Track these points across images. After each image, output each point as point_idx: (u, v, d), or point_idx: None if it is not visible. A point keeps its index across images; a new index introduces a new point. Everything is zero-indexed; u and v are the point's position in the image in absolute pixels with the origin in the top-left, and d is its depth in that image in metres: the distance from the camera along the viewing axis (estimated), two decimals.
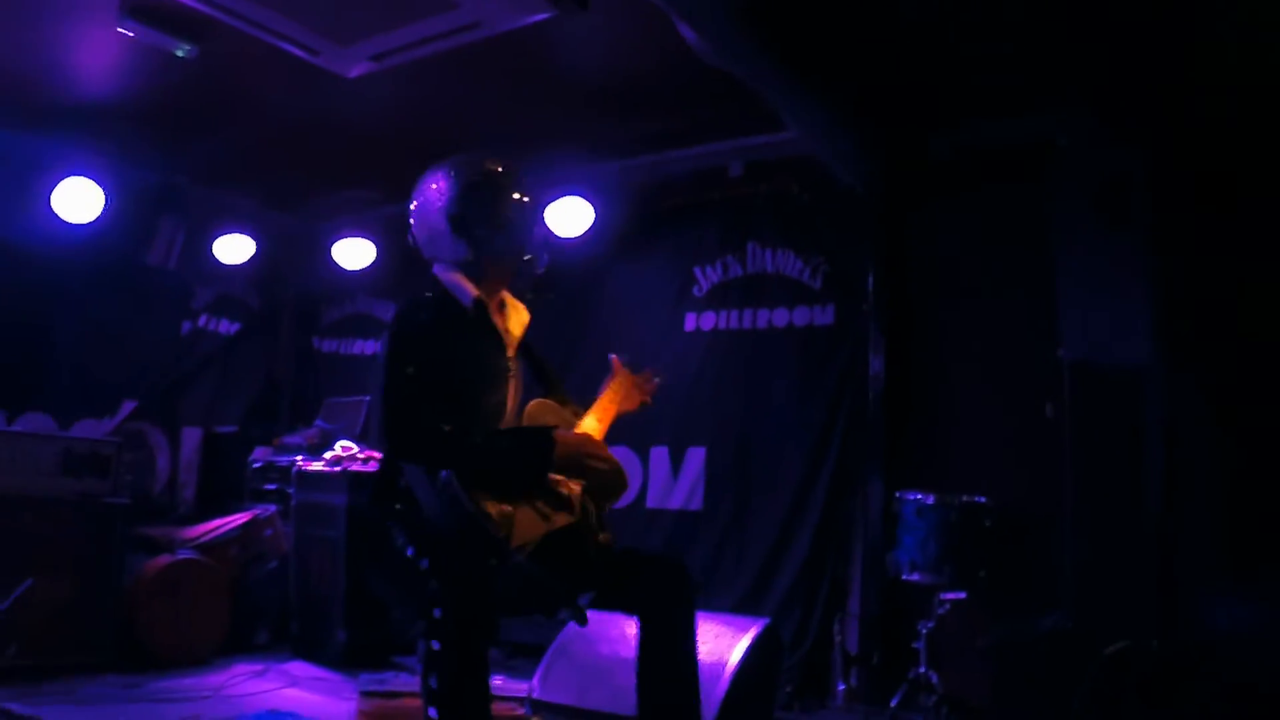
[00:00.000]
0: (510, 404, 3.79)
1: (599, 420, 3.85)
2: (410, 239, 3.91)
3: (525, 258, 3.86)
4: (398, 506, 3.45)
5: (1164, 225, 5.36)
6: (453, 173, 3.76)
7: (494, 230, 3.73)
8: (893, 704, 5.59)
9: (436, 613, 3.33)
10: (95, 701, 5.78)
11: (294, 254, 9.63)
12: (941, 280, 6.75)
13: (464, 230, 3.72)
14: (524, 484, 3.48)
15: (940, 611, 5.62)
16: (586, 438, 3.67)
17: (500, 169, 3.79)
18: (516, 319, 3.91)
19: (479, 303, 3.70)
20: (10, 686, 5.54)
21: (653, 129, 7.15)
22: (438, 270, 3.81)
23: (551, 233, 3.97)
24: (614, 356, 4.12)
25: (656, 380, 4.15)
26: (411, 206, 3.85)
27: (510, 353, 3.84)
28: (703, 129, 7.08)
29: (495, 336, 3.79)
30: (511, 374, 3.83)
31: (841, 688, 6.46)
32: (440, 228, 3.76)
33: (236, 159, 8.08)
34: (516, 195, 3.78)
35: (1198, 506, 5.31)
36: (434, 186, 3.78)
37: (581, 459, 3.57)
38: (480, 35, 5.63)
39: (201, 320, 9.34)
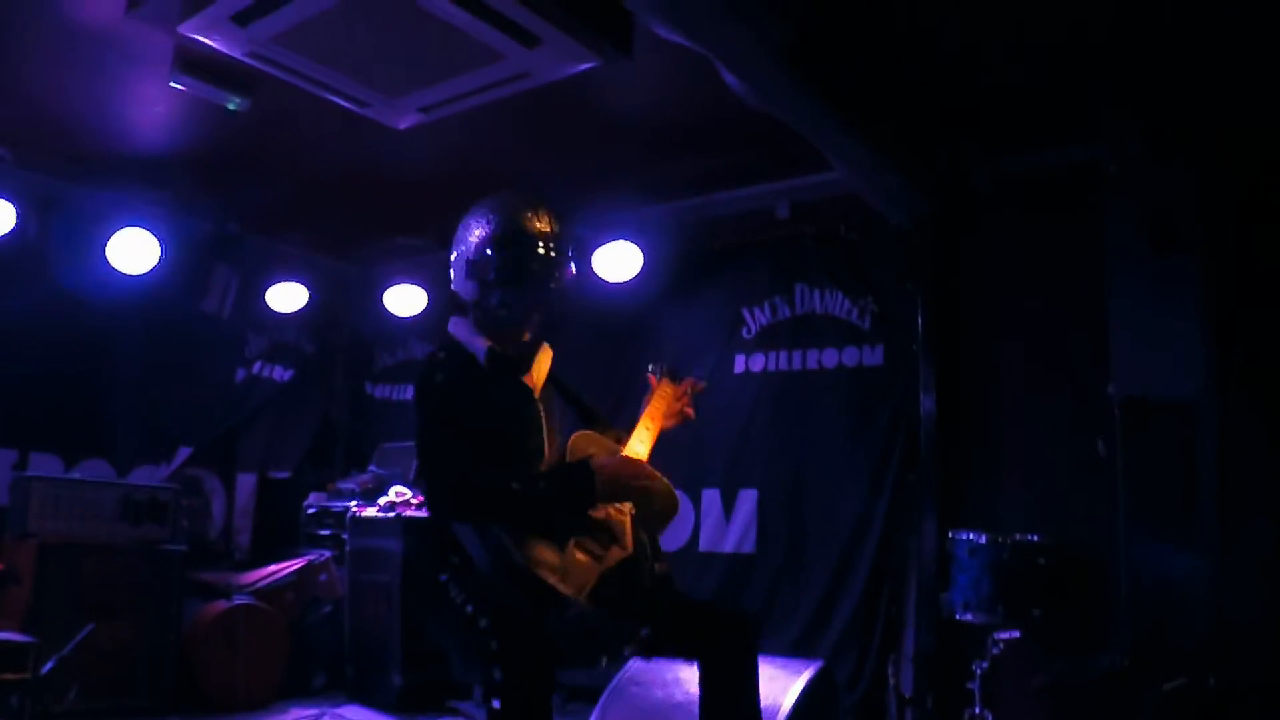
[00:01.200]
0: (548, 444, 3.74)
1: (642, 443, 3.79)
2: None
3: (538, 312, 3.80)
4: (454, 560, 3.45)
5: (1215, 253, 5.34)
6: (484, 219, 3.73)
7: (510, 284, 3.68)
8: None
9: (497, 674, 3.32)
10: None
11: (346, 301, 9.75)
12: (991, 316, 6.71)
13: (481, 279, 3.69)
14: (570, 523, 3.46)
15: (994, 651, 5.57)
16: (626, 460, 3.62)
17: (529, 222, 3.70)
18: (540, 359, 3.87)
19: (492, 353, 3.68)
20: None
21: (699, 172, 7.19)
22: (452, 326, 3.79)
23: (574, 279, 3.81)
24: (651, 374, 4.08)
25: (701, 384, 4.10)
26: (451, 256, 3.85)
27: (537, 394, 3.80)
28: (748, 171, 7.10)
29: (516, 383, 3.75)
30: (543, 415, 3.78)
31: None
32: (462, 272, 3.75)
33: (289, 208, 8.19)
34: (541, 250, 3.69)
35: (1254, 540, 5.27)
36: (463, 232, 3.77)
37: (625, 481, 3.52)
38: (527, 85, 5.69)
39: (256, 367, 9.42)
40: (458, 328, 3.77)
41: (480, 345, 3.68)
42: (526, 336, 3.86)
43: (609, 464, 3.53)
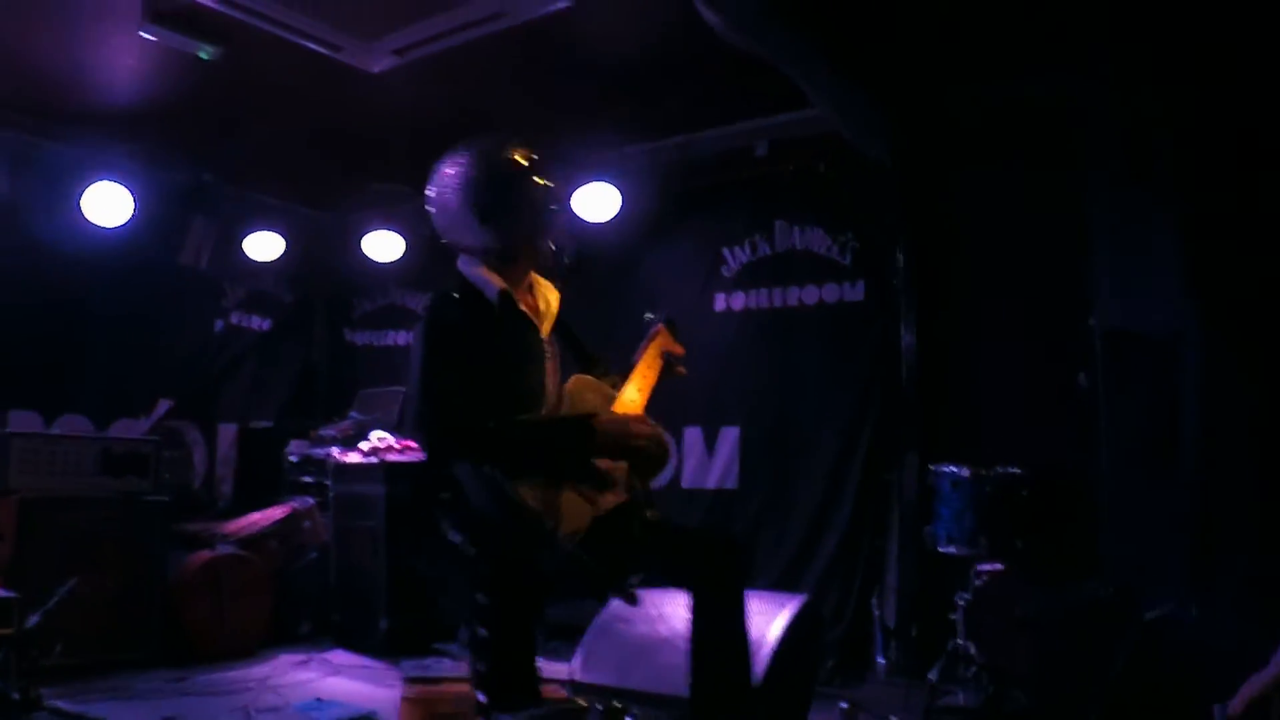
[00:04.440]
0: (550, 385, 3.75)
1: (639, 390, 3.79)
2: (433, 226, 3.87)
3: (551, 245, 3.82)
4: (444, 495, 3.45)
5: (1195, 183, 5.33)
6: (471, 159, 3.70)
7: (517, 217, 3.69)
8: (931, 676, 5.59)
9: (482, 598, 3.34)
10: (143, 696, 5.86)
11: (324, 248, 9.68)
12: (971, 250, 6.72)
13: (487, 218, 3.68)
14: (567, 470, 3.47)
15: (977, 583, 5.60)
16: (627, 418, 3.61)
17: (520, 155, 3.72)
18: (547, 299, 3.88)
19: (505, 295, 3.67)
20: (58, 685, 5.59)
21: (677, 111, 7.14)
22: (461, 265, 3.77)
23: (575, 218, 3.81)
24: (658, 323, 4.08)
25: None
26: (430, 194, 3.79)
27: (544, 334, 3.81)
28: (727, 109, 7.07)
29: (525, 324, 3.75)
30: (547, 356, 3.79)
31: (882, 661, 6.48)
32: (461, 216, 3.70)
33: (264, 157, 8.13)
34: (538, 180, 3.72)
35: (1234, 472, 5.29)
36: (451, 173, 3.72)
37: (625, 439, 3.52)
38: (502, 26, 5.65)
39: (234, 318, 9.40)
40: (468, 266, 3.75)
41: (493, 286, 3.66)
42: (535, 276, 3.87)
43: (610, 421, 3.53)
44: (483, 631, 3.34)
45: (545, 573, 3.38)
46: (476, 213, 3.68)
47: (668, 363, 3.97)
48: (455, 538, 3.43)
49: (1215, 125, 5.32)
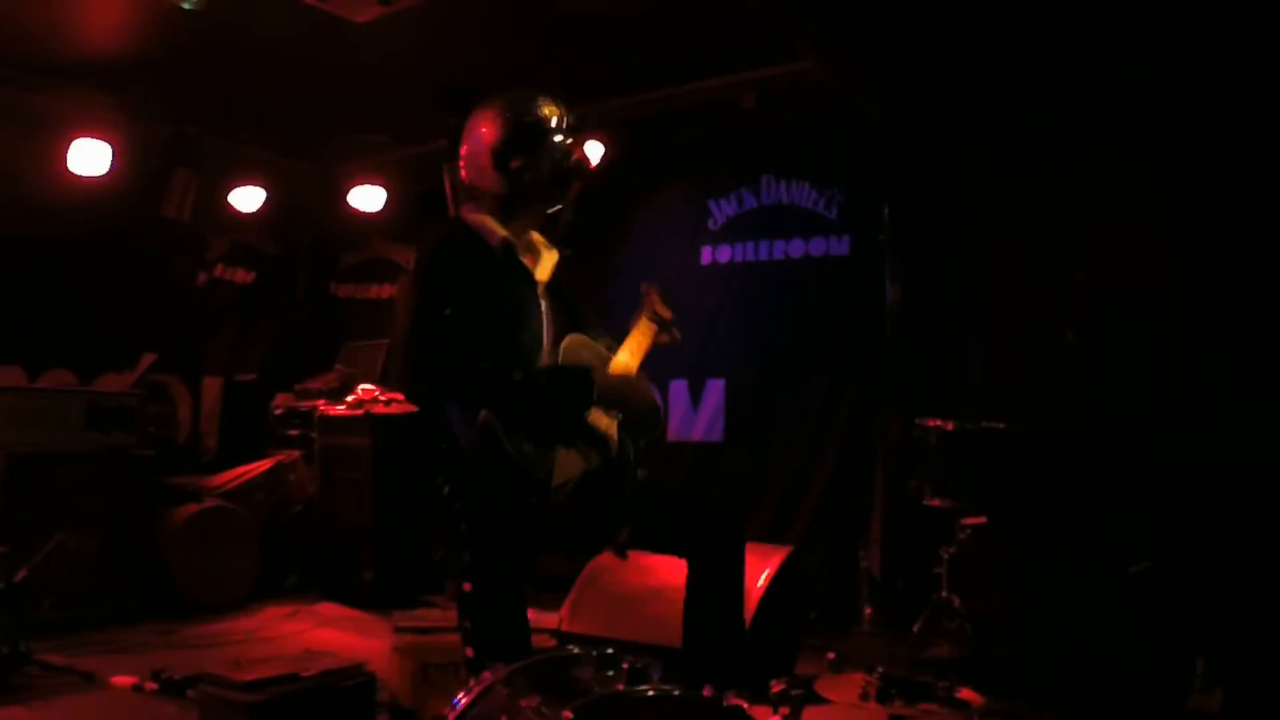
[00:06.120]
0: (544, 343, 3.71)
1: (632, 355, 3.80)
2: (460, 178, 3.86)
3: (554, 208, 3.79)
4: (443, 445, 3.45)
5: (1184, 146, 5.34)
6: (503, 107, 3.70)
7: (532, 170, 3.65)
8: (915, 628, 5.63)
9: (466, 555, 3.36)
10: (132, 649, 5.89)
11: (308, 200, 9.61)
12: (959, 206, 6.71)
13: (502, 166, 3.67)
14: (562, 422, 3.47)
15: (961, 536, 5.63)
16: (625, 375, 3.66)
17: (547, 109, 3.72)
18: (545, 258, 3.86)
19: (506, 243, 3.66)
20: (47, 639, 5.60)
21: (665, 63, 7.10)
22: (465, 211, 3.76)
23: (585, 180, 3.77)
24: (647, 287, 4.09)
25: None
26: (463, 150, 3.80)
27: (540, 290, 3.79)
28: (715, 61, 7.02)
29: (524, 275, 3.72)
30: (542, 312, 3.75)
31: (867, 612, 6.51)
32: (481, 161, 3.70)
33: (248, 108, 8.07)
34: (559, 139, 3.71)
35: (1219, 426, 5.32)
36: (483, 123, 3.71)
37: (621, 395, 3.56)
38: None
39: (218, 270, 9.37)
40: (472, 214, 3.73)
41: (495, 234, 3.65)
42: (536, 235, 3.85)
43: (610, 376, 3.57)
44: (467, 587, 3.36)
45: (536, 524, 3.38)
46: (494, 159, 3.67)
47: (660, 326, 3.98)
48: (445, 491, 3.45)
49: (1205, 92, 5.33)
